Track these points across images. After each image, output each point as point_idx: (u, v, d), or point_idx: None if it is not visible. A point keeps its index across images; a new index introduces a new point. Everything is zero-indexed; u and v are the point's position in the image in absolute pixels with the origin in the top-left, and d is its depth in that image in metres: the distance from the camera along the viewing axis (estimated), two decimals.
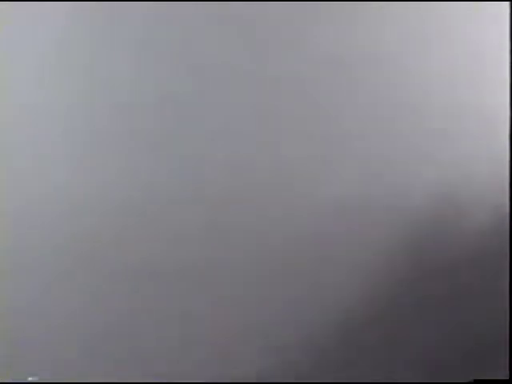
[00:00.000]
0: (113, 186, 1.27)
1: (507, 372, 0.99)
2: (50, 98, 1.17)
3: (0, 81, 1.08)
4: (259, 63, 1.38)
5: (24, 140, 1.18)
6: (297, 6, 1.36)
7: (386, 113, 1.60)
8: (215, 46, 1.35)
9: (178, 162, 1.43)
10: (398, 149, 1.60)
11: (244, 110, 1.46)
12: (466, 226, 1.14)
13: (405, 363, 0.98)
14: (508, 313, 0.89)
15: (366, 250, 1.38)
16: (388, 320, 1.09)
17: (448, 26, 1.05)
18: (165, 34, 1.36)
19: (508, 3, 1.15)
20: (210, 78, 1.43)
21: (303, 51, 1.20)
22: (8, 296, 1.03)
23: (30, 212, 1.19)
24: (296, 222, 1.46)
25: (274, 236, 1.48)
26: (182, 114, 1.41)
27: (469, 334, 0.92)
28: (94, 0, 1.25)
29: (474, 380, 0.75)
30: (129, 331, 1.01)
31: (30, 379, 1.17)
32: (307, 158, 1.52)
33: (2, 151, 1.08)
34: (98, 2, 1.29)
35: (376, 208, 1.47)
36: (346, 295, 1.33)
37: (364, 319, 1.11)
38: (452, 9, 1.04)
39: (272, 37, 1.35)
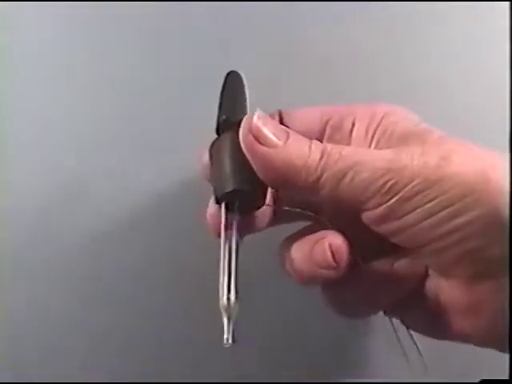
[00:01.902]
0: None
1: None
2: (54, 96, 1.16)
3: (1, 80, 1.09)
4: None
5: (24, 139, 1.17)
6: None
7: None
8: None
9: None
10: None
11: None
12: None
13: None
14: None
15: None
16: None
17: (446, 26, 1.06)
18: None
19: (508, 3, 1.15)
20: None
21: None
22: (8, 296, 1.05)
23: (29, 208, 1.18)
24: None
25: None
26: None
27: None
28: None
29: (481, 380, 0.74)
30: (129, 331, 1.02)
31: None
32: None
33: (5, 150, 1.09)
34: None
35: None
36: None
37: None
38: (450, 8, 1.05)
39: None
